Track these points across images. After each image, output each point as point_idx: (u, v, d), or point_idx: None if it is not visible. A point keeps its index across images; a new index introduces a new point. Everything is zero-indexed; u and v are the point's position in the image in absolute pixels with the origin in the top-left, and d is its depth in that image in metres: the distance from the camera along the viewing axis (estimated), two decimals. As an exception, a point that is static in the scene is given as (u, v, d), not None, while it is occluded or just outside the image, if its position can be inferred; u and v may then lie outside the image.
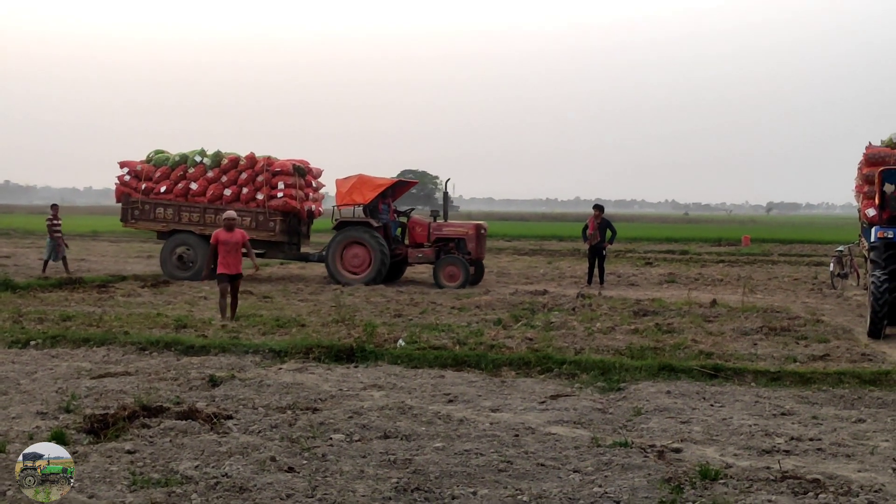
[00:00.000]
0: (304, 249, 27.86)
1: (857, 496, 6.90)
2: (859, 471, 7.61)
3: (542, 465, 7.72)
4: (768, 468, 7.59)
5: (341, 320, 16.50)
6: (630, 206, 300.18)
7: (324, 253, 25.85)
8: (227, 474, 7.26)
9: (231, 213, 16.94)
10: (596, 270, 25.39)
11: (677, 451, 8.19)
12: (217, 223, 24.80)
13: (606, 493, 6.97)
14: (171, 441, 8.28)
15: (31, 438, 8.19)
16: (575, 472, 7.54)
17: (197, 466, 7.49)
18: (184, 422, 8.88)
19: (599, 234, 24.99)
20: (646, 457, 7.94)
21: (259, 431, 8.72)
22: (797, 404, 10.23)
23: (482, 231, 25.53)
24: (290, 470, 7.44)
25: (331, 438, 8.50)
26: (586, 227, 25.52)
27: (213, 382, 10.93)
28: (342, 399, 10.19)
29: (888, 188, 17.78)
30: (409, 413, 9.56)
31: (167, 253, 25.89)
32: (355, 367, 12.26)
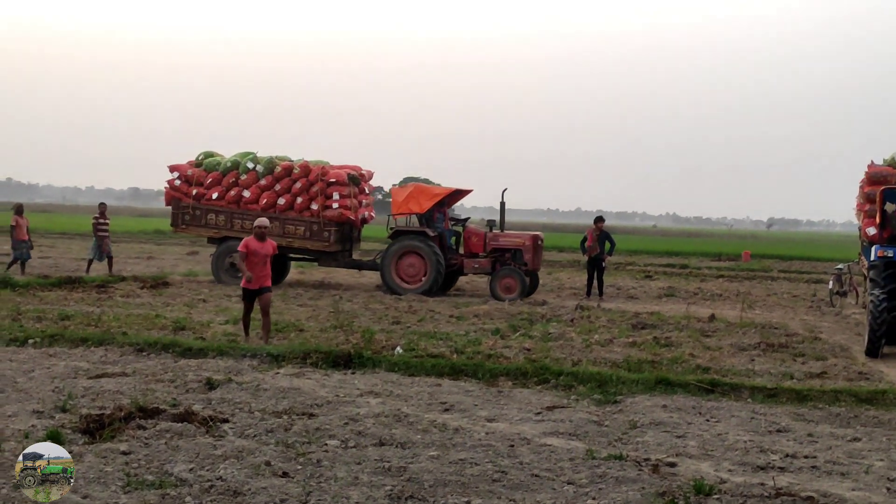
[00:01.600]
0: (355, 256, 27.67)
1: (851, 515, 6.90)
2: (853, 489, 7.61)
3: (537, 475, 7.73)
4: (763, 485, 7.59)
5: (339, 326, 16.51)
6: (631, 219, 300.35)
7: (377, 261, 25.71)
8: (221, 478, 7.26)
9: (264, 221, 15.19)
10: (595, 282, 25.40)
11: (672, 465, 8.19)
12: (271, 231, 24.66)
13: (600, 505, 6.98)
14: (166, 443, 8.28)
15: (27, 437, 8.20)
16: (569, 483, 7.54)
17: (191, 469, 7.49)
18: (179, 424, 8.88)
19: (599, 246, 25.01)
20: (640, 470, 7.94)
21: (254, 435, 8.73)
22: (793, 421, 10.23)
23: (539, 242, 25.23)
24: (285, 475, 7.44)
25: (326, 444, 8.50)
26: (585, 240, 25.53)
27: (210, 385, 10.94)
28: (338, 405, 10.20)
29: (889, 207, 17.78)
30: (404, 421, 9.57)
31: (219, 259, 25.61)
32: (352, 373, 12.26)
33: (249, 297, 14.87)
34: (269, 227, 15.68)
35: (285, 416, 9.56)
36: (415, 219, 25.68)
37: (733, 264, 45.75)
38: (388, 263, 24.67)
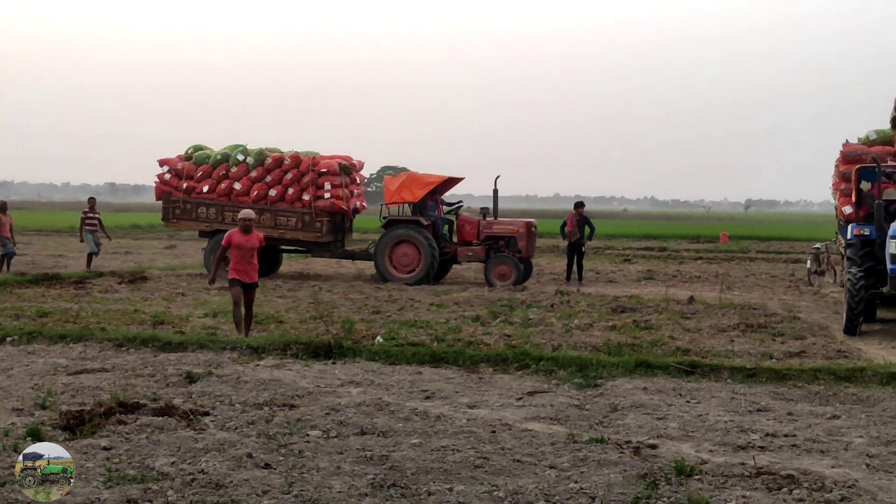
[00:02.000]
0: (346, 246, 27.53)
1: (831, 492, 6.93)
2: (833, 467, 7.65)
3: (519, 461, 7.74)
4: (743, 464, 7.62)
5: (319, 317, 16.51)
6: (609, 203, 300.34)
7: (370, 251, 25.68)
8: (203, 471, 7.24)
9: (249, 213, 14.57)
10: (575, 267, 25.46)
11: (653, 447, 8.22)
12: (263, 223, 24.53)
13: (582, 488, 6.99)
14: (147, 437, 8.26)
15: (7, 435, 8.18)
16: (551, 468, 7.55)
17: (173, 463, 7.47)
18: (160, 418, 8.86)
19: (579, 231, 25.07)
20: (622, 453, 7.96)
21: (236, 428, 8.71)
22: (773, 401, 10.28)
23: (532, 229, 25.15)
24: (267, 466, 7.43)
25: (307, 435, 8.49)
26: (565, 224, 25.62)
27: (190, 379, 10.91)
28: (319, 395, 10.19)
29: (864, 186, 17.90)
30: (386, 409, 9.57)
31: (212, 253, 25.11)
32: (333, 363, 12.24)
33: (241, 286, 14.25)
34: (255, 219, 15.22)
35: (266, 408, 9.54)
36: (407, 208, 25.56)
37: (711, 246, 45.94)
38: (381, 253, 24.60)
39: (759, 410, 9.78)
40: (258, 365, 12.00)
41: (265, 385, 10.65)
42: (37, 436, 8.03)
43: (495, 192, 26.08)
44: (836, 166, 20.25)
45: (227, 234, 14.46)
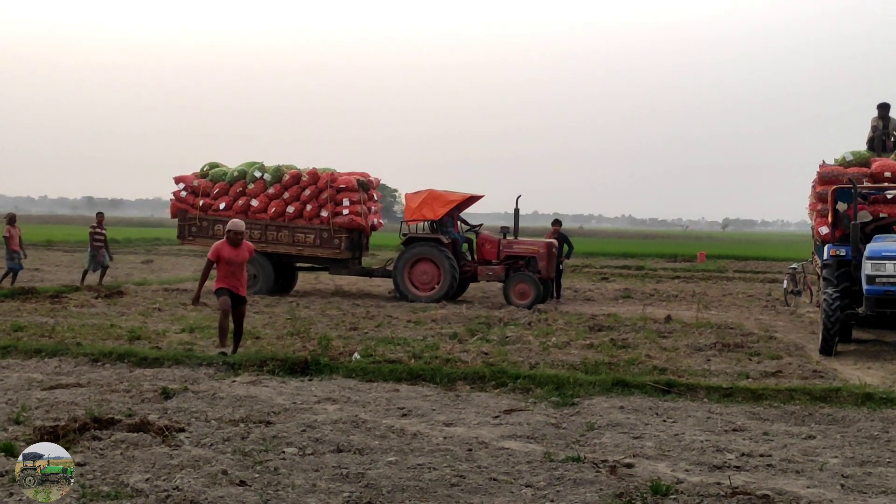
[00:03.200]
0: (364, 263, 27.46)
1: (806, 512, 6.96)
2: (808, 487, 7.68)
3: (495, 479, 7.73)
4: (719, 484, 7.64)
5: (296, 333, 16.47)
6: (587, 221, 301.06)
7: (388, 268, 25.55)
8: (178, 487, 7.20)
9: (239, 224, 13.92)
10: (552, 285, 25.48)
11: (629, 466, 8.23)
12: (281, 239, 24.60)
13: (558, 508, 6.99)
14: (121, 454, 8.21)
15: (-20, 450, 8.11)
16: (527, 486, 7.55)
17: (148, 479, 7.42)
18: (135, 434, 8.81)
19: (556, 249, 25.10)
20: (598, 472, 7.96)
21: (211, 444, 8.67)
22: (749, 420, 10.31)
23: (553, 249, 24.90)
24: (242, 483, 7.39)
25: (283, 452, 8.46)
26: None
27: (166, 395, 10.86)
28: (296, 412, 10.16)
29: (841, 206, 18.02)
30: (362, 427, 9.55)
31: None
32: (310, 380, 12.21)
33: (230, 296, 13.78)
34: (246, 232, 14.46)
35: (242, 425, 9.51)
36: (426, 224, 25.36)
37: (689, 265, 46.07)
38: (400, 270, 24.44)
39: (734, 430, 9.80)
40: (234, 381, 11.95)
41: (241, 401, 10.61)
42: (10, 451, 7.98)
43: (516, 211, 25.86)
44: (813, 187, 20.36)
45: (213, 246, 13.89)
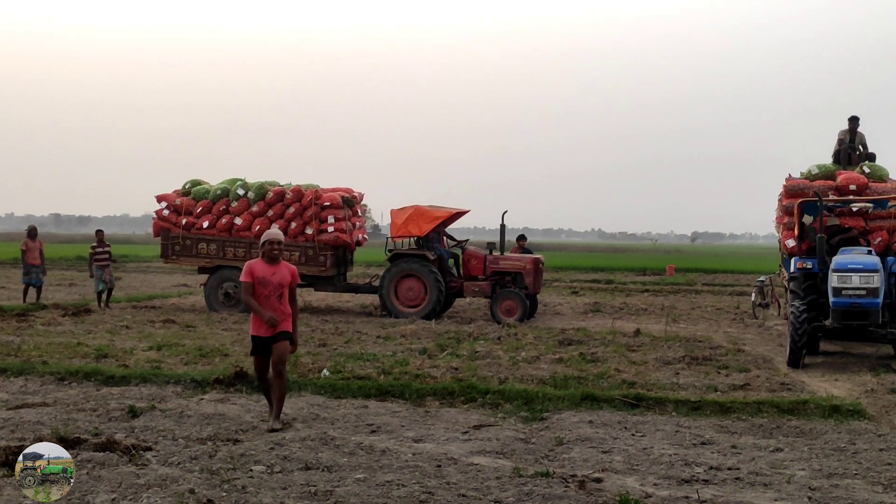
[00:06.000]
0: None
1: (774, 525, 6.98)
2: (776, 500, 7.71)
3: (464, 495, 7.71)
4: (687, 498, 7.66)
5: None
6: (557, 235, 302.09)
7: (374, 284, 25.42)
8: (144, 507, 7.15)
9: (276, 234, 10.69)
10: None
11: (598, 480, 8.24)
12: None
13: (527, 523, 6.98)
14: (87, 473, 8.12)
15: (-57, 472, 8.02)
16: (496, 502, 7.54)
17: (114, 499, 7.36)
18: (101, 453, 8.73)
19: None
20: (567, 487, 7.97)
21: (178, 463, 8.60)
22: (717, 433, 10.35)
23: (540, 265, 24.79)
24: (209, 502, 7.34)
25: (251, 470, 8.41)
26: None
27: (133, 413, 10.78)
28: (263, 430, 10.10)
29: (807, 219, 18.17)
30: (331, 444, 9.51)
31: (213, 289, 25.05)
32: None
33: (260, 348, 10.43)
34: (283, 243, 10.88)
35: (210, 443, 9.45)
36: (411, 240, 25.25)
37: (658, 279, 46.32)
38: (387, 287, 24.28)
39: (703, 443, 9.83)
40: (202, 399, 11.88)
41: (209, 419, 10.54)
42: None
43: (502, 227, 25.71)
44: (780, 200, 20.52)
45: (246, 266, 10.55)
